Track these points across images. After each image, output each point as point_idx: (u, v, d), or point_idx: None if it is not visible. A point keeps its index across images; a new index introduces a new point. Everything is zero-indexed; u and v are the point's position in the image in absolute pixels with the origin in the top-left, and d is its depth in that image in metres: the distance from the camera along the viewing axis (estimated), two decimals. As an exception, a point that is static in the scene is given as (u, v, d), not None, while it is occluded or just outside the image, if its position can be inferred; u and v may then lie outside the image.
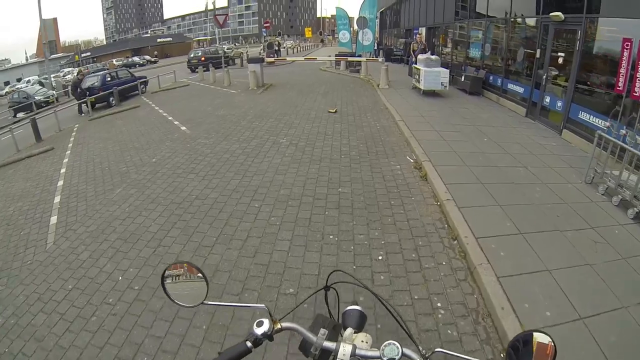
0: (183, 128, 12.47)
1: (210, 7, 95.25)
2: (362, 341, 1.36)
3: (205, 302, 1.48)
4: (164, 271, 1.47)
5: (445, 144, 8.90)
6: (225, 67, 23.66)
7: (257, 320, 1.35)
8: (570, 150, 8.68)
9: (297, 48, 63.79)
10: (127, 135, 12.66)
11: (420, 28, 24.27)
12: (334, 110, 12.82)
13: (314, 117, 12.23)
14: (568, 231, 5.14)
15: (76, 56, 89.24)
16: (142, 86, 24.25)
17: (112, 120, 16.21)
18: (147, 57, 65.00)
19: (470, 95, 14.91)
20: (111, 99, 20.72)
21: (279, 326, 1.38)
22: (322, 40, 78.00)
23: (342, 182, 7.21)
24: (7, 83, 70.49)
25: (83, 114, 19.86)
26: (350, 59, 21.13)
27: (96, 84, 21.51)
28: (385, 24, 37.63)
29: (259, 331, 1.32)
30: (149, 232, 6.00)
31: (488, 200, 6.14)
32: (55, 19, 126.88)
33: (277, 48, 35.87)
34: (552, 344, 1.20)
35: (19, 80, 72.46)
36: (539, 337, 1.22)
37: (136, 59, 64.43)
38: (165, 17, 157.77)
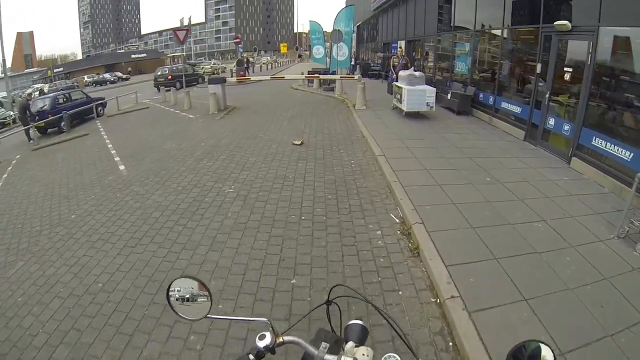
0: (121, 167, 10.52)
1: (186, 22, 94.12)
2: (363, 354, 1.36)
3: (208, 315, 1.49)
4: (170, 285, 1.48)
5: (440, 190, 6.87)
6: (187, 87, 21.57)
7: (260, 334, 1.37)
8: (586, 185, 7.27)
9: (273, 64, 61.96)
10: (60, 175, 10.92)
11: (399, 42, 22.62)
12: (300, 142, 10.68)
13: (274, 153, 10.06)
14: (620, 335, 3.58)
15: (49, 71, 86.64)
16: (99, 109, 22.29)
17: (54, 152, 14.53)
18: (119, 74, 62.45)
19: (459, 115, 13.16)
20: (62, 124, 18.76)
21: (281, 339, 1.40)
22: (299, 56, 76.45)
23: (299, 266, 5.10)
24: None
25: (31, 141, 17.79)
26: (322, 76, 19.16)
27: (45, 107, 19.42)
28: (361, 38, 36.03)
29: (261, 344, 1.35)
30: (33, 348, 4.11)
31: (509, 292, 4.19)
32: (31, 33, 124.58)
33: (246, 65, 33.84)
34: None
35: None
36: (544, 351, 1.22)
37: (107, 75, 61.94)
38: (143, 32, 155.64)
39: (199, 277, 1.50)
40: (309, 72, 22.97)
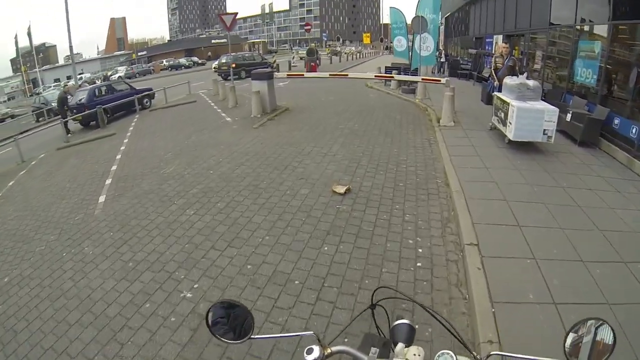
0: (101, 199, 8.09)
1: (267, 9, 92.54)
2: (415, 354, 1.32)
3: (252, 336, 1.44)
4: (208, 310, 1.44)
5: None
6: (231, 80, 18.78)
7: (307, 348, 1.30)
8: None
9: (357, 55, 57.78)
10: (50, 192, 9.52)
11: (495, 36, 18.12)
12: (344, 191, 6.76)
13: (296, 209, 6.32)
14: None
15: (133, 54, 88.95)
16: (145, 100, 20.50)
17: (70, 155, 13.18)
18: (195, 59, 61.30)
19: (581, 146, 8.90)
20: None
21: (329, 351, 1.35)
22: (387, 47, 71.91)
23: None
24: (57, 80, 69.90)
25: (69, 134, 16.74)
26: (398, 77, 14.99)
27: (83, 100, 18.00)
28: (449, 32, 31.17)
29: (310, 358, 1.28)
30: None
31: None
32: (124, 18, 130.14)
33: (317, 55, 30.26)
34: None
35: (68, 77, 71.80)
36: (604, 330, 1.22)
37: (182, 60, 61.21)
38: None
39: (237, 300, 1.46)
40: (386, 69, 19.17)
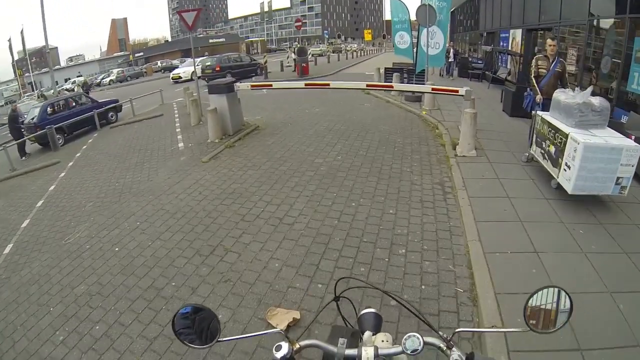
0: None
1: (266, 8, 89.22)
2: (383, 341, 1.40)
3: (219, 339, 1.41)
4: (174, 317, 1.40)
5: None
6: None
7: (276, 345, 1.31)
8: None
9: (359, 52, 54.34)
10: None
11: (512, 30, 15.08)
12: (286, 326, 3.71)
13: None
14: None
15: (130, 56, 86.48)
16: (110, 114, 18.02)
17: (3, 191, 11.27)
18: (189, 60, 58.38)
19: None
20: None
21: (297, 346, 1.34)
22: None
23: None
24: (55, 83, 67.17)
25: (24, 158, 15.06)
26: (400, 87, 11.58)
27: (34, 119, 15.69)
28: (455, 26, 27.86)
29: (279, 355, 1.28)
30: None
31: None
32: (125, 19, 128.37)
33: (308, 55, 27.37)
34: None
35: (67, 80, 69.49)
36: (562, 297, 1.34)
37: (175, 62, 58.20)
38: (230, 16, 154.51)
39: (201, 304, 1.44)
40: (386, 71, 16.12)
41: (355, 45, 71.84)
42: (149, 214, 6.82)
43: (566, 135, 5.40)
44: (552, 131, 5.87)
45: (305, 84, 9.88)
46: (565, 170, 5.45)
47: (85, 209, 7.86)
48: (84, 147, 13.94)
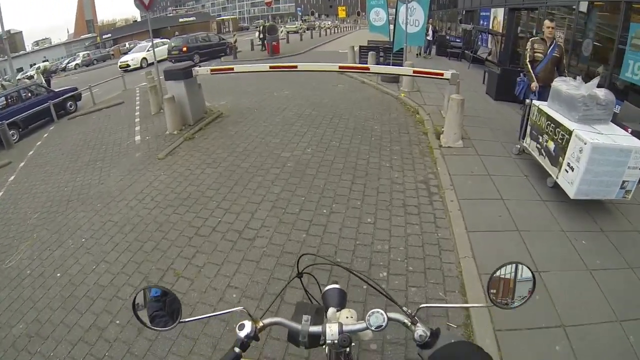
0: None
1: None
2: (347, 317, 1.38)
3: (182, 320, 1.41)
4: (134, 299, 1.38)
5: None
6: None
7: (239, 324, 1.30)
8: None
9: (333, 30, 52.73)
10: None
11: (494, 9, 14.35)
12: None
13: None
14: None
15: (97, 38, 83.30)
16: (70, 104, 16.67)
17: None
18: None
19: None
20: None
21: (261, 324, 1.34)
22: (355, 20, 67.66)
23: None
24: (20, 70, 64.18)
25: None
26: (377, 69, 10.15)
27: None
28: (430, 4, 26.78)
29: (242, 334, 1.28)
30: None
31: None
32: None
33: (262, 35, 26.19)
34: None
35: (32, 66, 66.58)
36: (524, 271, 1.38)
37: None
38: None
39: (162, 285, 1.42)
40: (360, 49, 15.13)
41: (330, 23, 70.10)
42: (96, 228, 5.93)
43: (570, 132, 4.67)
44: (552, 125, 5.12)
45: (270, 67, 8.77)
46: (566, 171, 4.73)
47: (30, 221, 6.90)
48: (39, 143, 12.73)
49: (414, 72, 8.20)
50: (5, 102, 14.89)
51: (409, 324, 1.26)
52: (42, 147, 12.05)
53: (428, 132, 7.79)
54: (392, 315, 1.27)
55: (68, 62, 54.25)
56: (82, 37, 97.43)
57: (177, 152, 8.25)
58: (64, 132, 13.24)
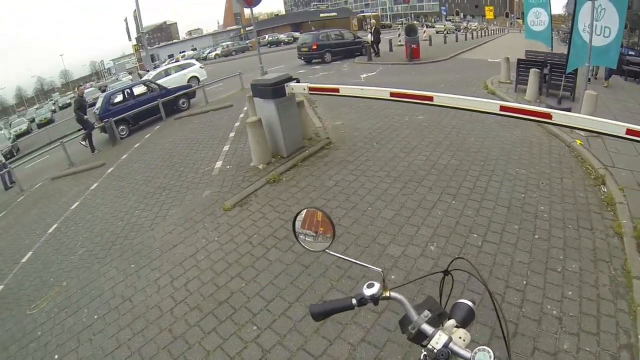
0: None
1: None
2: (460, 337, 1.27)
3: (327, 250, 1.51)
4: (296, 215, 1.51)
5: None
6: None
7: (368, 282, 1.34)
8: None
9: (479, 32, 47.42)
10: None
11: None
12: None
13: None
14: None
15: (241, 30, 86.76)
16: (182, 101, 15.90)
17: (38, 197, 10.37)
18: (295, 35, 55.50)
19: None
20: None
21: (387, 294, 1.35)
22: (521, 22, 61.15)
23: None
24: (170, 56, 68.88)
25: (95, 152, 13.00)
26: (558, 117, 5.65)
27: (98, 111, 14.19)
28: None
29: (367, 292, 1.31)
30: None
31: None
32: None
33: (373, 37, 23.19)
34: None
35: (181, 53, 70.82)
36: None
37: (282, 36, 56.25)
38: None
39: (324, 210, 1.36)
40: (519, 63, 11.62)
41: (476, 24, 64.85)
42: (112, 304, 4.53)
43: None
44: None
45: (392, 94, 5.79)
46: None
47: (72, 258, 6.00)
48: (136, 145, 11.88)
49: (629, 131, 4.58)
50: (124, 95, 15.01)
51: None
52: (134, 153, 11.10)
53: (624, 233, 4.47)
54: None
55: (209, 52, 56.53)
56: (228, 28, 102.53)
57: (249, 203, 6.03)
58: (161, 136, 12.22)
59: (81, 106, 13.19)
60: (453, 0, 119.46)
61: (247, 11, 17.10)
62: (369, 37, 23.09)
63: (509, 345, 1.29)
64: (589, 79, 12.77)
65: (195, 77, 20.15)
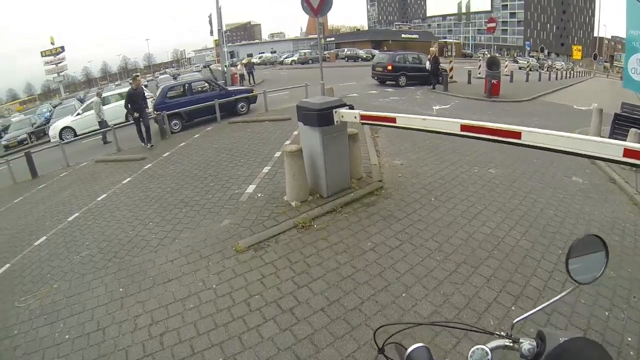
0: None
1: (464, 9, 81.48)
2: None
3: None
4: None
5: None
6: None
7: None
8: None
9: (564, 72, 44.13)
10: None
11: None
12: None
13: None
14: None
15: (321, 39, 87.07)
16: (241, 105, 15.50)
17: (73, 179, 10.44)
18: (374, 52, 54.64)
19: None
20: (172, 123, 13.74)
21: None
22: (605, 68, 56.88)
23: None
24: (249, 55, 70.03)
25: (149, 146, 11.94)
26: None
27: (156, 101, 14.62)
28: None
29: None
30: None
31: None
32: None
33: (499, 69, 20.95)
34: None
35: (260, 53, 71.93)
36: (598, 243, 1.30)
37: (361, 52, 55.71)
38: (428, 14, 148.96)
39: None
40: (616, 119, 10.13)
41: (562, 63, 61.19)
42: (86, 330, 4.04)
43: None
44: None
45: (463, 127, 4.24)
46: None
47: (74, 259, 5.69)
48: (182, 144, 11.46)
49: None
50: (181, 90, 14.96)
51: (512, 344, 1.17)
52: (176, 153, 10.69)
53: None
54: (492, 344, 1.16)
55: (286, 57, 56.73)
56: (310, 36, 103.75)
57: (266, 248, 5.01)
58: (209, 139, 11.69)
59: (133, 101, 11.83)
60: (538, 36, 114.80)
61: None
62: (427, 65, 21.28)
63: (483, 329, 1.30)
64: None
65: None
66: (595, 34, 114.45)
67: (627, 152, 3.14)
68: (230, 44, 79.57)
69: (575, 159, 8.43)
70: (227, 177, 7.76)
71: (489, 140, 3.97)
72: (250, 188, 6.97)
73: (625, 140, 8.68)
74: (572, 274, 1.27)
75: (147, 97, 13.79)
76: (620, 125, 9.83)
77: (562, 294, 1.29)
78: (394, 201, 6.18)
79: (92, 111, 15.82)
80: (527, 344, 1.14)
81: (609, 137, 9.79)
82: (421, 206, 5.99)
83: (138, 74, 22.24)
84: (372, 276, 4.35)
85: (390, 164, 7.86)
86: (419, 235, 5.14)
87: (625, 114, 10.47)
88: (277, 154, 8.81)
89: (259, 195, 6.61)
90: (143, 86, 14.58)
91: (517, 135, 3.65)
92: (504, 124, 3.82)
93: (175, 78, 33.18)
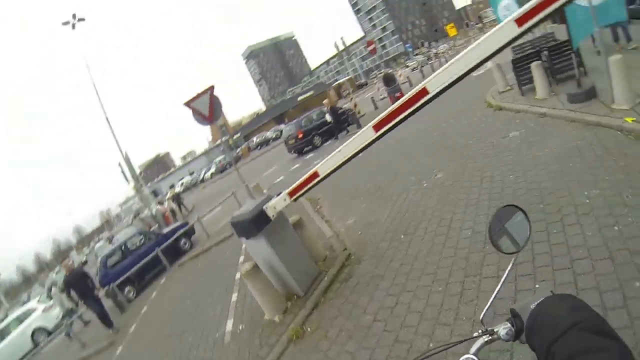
0: None
1: (341, 46, 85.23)
2: None
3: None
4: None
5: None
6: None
7: None
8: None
9: (450, 52, 47.43)
10: None
11: None
12: None
13: None
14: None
15: (229, 140, 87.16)
16: (183, 241, 14.58)
17: None
18: (281, 127, 54.96)
19: None
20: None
21: None
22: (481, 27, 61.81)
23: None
24: (171, 186, 67.66)
25: (112, 330, 10.11)
26: None
27: (99, 277, 12.70)
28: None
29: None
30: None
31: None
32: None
33: (397, 82, 21.35)
34: None
35: (180, 180, 69.51)
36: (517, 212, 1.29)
37: (268, 134, 55.99)
38: (312, 67, 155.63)
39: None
40: (514, 63, 10.59)
41: (446, 46, 64.77)
42: None
43: None
44: None
45: (374, 128, 3.88)
46: None
47: None
48: (143, 310, 10.42)
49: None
50: (120, 253, 13.63)
51: (490, 337, 1.13)
52: (141, 323, 9.60)
53: None
54: (474, 348, 1.13)
55: (205, 173, 55.49)
56: (218, 142, 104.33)
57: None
58: (167, 293, 10.84)
59: (75, 289, 10.36)
60: (414, 35, 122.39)
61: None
62: (328, 118, 20.54)
63: (458, 341, 1.23)
64: (598, 51, 11.06)
65: (41, 328, 15.18)
66: (457, 7, 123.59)
67: (519, 21, 3.03)
68: (149, 183, 78.30)
69: (502, 120, 8.52)
70: (202, 323, 7.03)
71: (407, 117, 3.79)
72: (229, 324, 6.29)
73: (533, 79, 9.01)
74: (505, 250, 1.26)
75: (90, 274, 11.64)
76: (521, 67, 10.18)
77: (507, 270, 1.25)
78: (368, 262, 5.73)
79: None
80: (502, 329, 1.11)
81: (518, 82, 10.13)
82: (395, 250, 5.59)
83: (66, 257, 20.79)
84: (389, 346, 3.84)
85: (345, 227, 7.49)
86: (410, 280, 4.70)
87: (519, 56, 10.89)
88: (237, 275, 8.18)
89: (241, 327, 5.96)
90: (81, 264, 13.42)
91: (424, 92, 3.54)
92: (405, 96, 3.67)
93: (111, 241, 31.65)
